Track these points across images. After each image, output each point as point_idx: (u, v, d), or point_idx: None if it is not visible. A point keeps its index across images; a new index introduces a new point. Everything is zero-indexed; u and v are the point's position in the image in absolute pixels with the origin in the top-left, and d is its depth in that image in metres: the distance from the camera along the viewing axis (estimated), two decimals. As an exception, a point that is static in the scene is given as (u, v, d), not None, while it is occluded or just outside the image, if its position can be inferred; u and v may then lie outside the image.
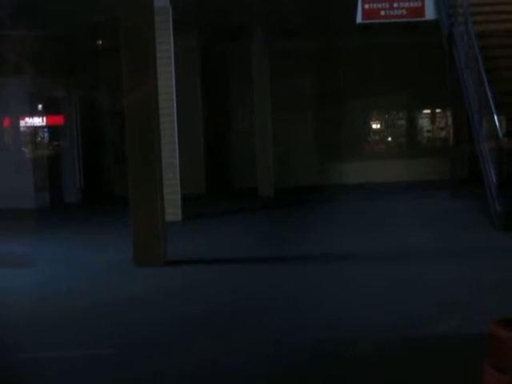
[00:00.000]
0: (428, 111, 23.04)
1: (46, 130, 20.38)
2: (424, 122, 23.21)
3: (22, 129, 19.55)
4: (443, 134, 22.78)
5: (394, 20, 16.18)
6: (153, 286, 9.12)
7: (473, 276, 8.70)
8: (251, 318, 7.36)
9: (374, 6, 15.95)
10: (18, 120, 19.36)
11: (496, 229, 11.61)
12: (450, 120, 21.68)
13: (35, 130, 20.06)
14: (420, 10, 15.94)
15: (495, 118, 11.94)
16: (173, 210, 13.75)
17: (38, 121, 19.78)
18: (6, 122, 19.45)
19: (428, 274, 8.93)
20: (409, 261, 9.79)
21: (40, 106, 19.88)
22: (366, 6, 15.96)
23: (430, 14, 15.91)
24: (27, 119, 19.50)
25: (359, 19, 15.98)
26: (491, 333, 3.52)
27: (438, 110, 22.89)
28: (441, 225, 12.95)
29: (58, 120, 20.16)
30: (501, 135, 11.78)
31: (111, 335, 6.92)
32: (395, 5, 15.95)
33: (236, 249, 11.49)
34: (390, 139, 23.28)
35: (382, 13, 16.00)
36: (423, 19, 16.05)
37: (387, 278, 8.84)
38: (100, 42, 19.53)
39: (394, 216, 14.46)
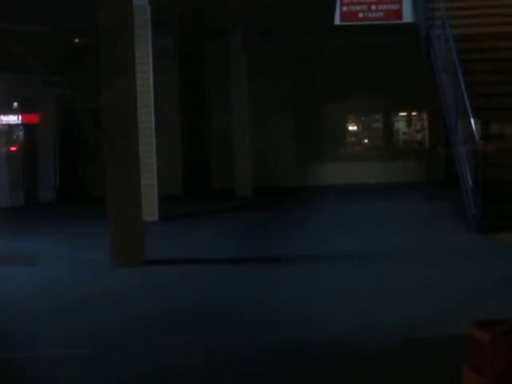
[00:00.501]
0: (406, 114, 23.14)
1: (21, 128, 20.23)
2: (402, 125, 23.31)
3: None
4: (420, 136, 22.90)
5: (371, 22, 16.26)
6: (130, 286, 9.08)
7: (449, 278, 8.74)
8: (228, 318, 7.35)
9: (353, 8, 16.02)
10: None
11: (472, 231, 11.68)
12: (426, 122, 21.83)
13: (10, 128, 19.91)
14: (398, 13, 16.03)
15: (471, 120, 12.03)
16: (150, 210, 13.70)
17: (13, 119, 19.64)
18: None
19: (402, 275, 8.95)
20: (383, 262, 9.82)
21: (16, 104, 19.73)
22: (345, 8, 16.02)
23: (407, 16, 16.00)
24: (2, 117, 19.35)
25: (337, 21, 16.05)
26: (468, 334, 3.55)
27: (414, 113, 23.01)
28: (416, 227, 13.00)
29: (34, 118, 20.02)
30: (477, 138, 11.87)
31: (88, 335, 6.88)
32: (373, 7, 16.03)
33: (212, 249, 11.48)
34: (367, 141, 23.36)
35: (360, 15, 16.08)
36: (401, 22, 16.13)
37: (361, 279, 8.87)
38: (78, 41, 19.42)
39: (370, 218, 14.49)
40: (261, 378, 5.69)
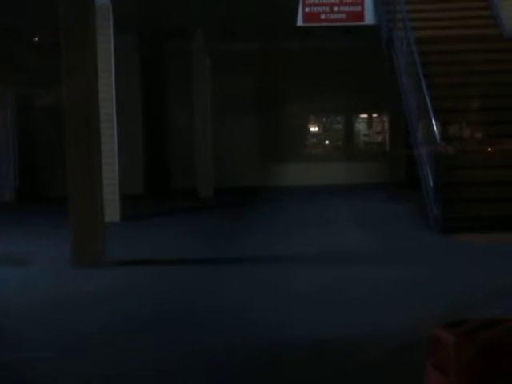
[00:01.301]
0: (368, 115, 23.30)
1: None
2: (364, 126, 23.47)
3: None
4: (381, 137, 23.07)
5: (333, 24, 16.36)
6: (91, 287, 8.98)
7: (409, 278, 8.77)
8: (189, 322, 7.31)
9: (315, 9, 16.10)
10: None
11: (433, 232, 11.79)
12: (388, 124, 22.01)
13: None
14: (359, 15, 16.14)
15: (433, 122, 12.15)
16: (111, 210, 13.61)
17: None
18: None
19: (362, 276, 8.95)
20: (343, 263, 9.83)
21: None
22: (307, 10, 16.09)
23: (369, 18, 16.13)
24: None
25: (300, 22, 16.13)
26: (433, 334, 3.57)
27: (376, 115, 23.18)
28: (378, 227, 13.07)
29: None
30: (438, 140, 11.99)
31: (46, 338, 6.79)
32: (335, 9, 16.13)
33: (173, 250, 11.41)
34: (329, 142, 23.48)
35: (323, 16, 16.16)
36: (363, 24, 16.25)
37: (322, 279, 8.87)
38: (39, 39, 19.23)
39: (330, 219, 14.55)
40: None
